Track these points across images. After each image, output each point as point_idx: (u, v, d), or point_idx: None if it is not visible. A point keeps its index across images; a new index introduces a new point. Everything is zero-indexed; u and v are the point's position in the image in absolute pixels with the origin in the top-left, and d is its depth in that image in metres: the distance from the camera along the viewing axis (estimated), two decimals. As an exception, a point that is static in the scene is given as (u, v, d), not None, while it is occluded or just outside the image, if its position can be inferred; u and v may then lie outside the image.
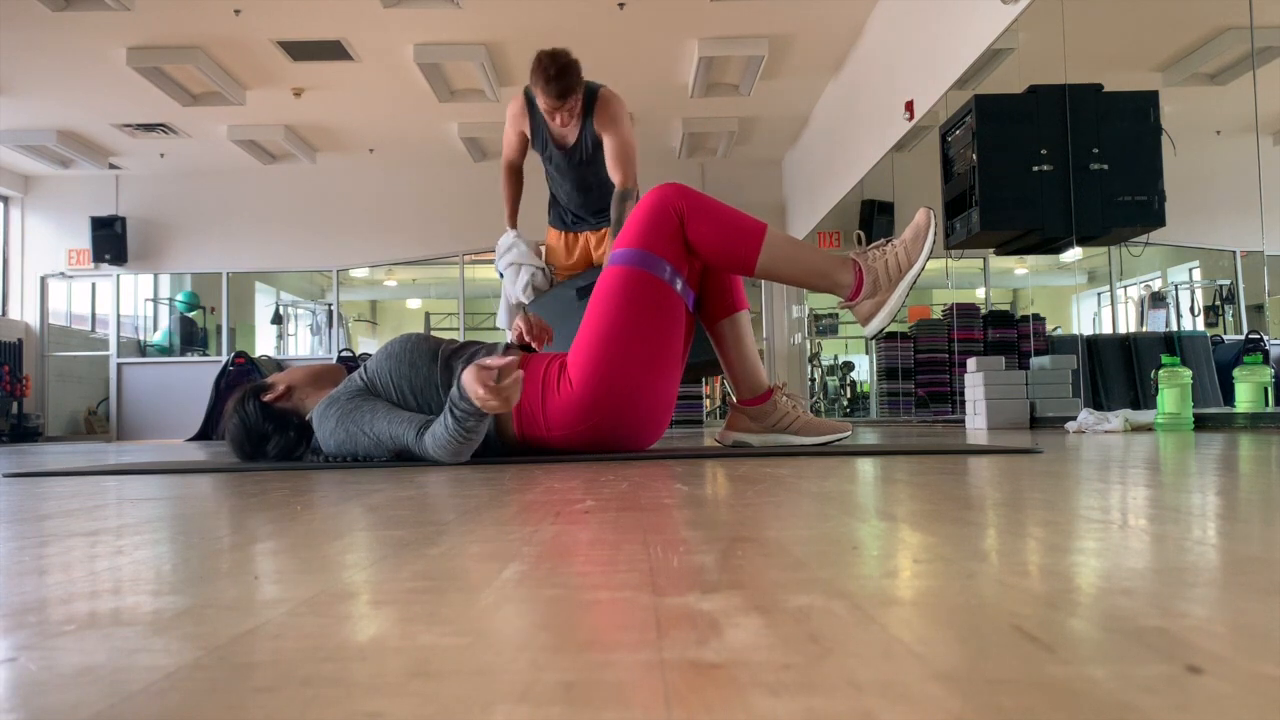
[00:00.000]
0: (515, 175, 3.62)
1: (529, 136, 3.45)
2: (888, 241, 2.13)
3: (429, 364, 2.13)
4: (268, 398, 2.17)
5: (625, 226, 2.23)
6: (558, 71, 3.10)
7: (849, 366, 10.65)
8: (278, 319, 12.25)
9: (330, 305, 11.04)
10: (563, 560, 0.63)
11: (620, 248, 2.19)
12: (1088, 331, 9.22)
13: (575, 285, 3.29)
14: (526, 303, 3.36)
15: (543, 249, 3.61)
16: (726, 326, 2.37)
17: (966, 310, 7.99)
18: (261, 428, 2.14)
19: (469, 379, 1.85)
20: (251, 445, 2.15)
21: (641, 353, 2.13)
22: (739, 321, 2.38)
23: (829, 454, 2.04)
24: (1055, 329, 8.79)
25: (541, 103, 3.22)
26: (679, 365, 2.25)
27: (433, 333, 14.19)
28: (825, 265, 2.15)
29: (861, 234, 2.17)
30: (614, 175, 3.32)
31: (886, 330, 2.18)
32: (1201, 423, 3.83)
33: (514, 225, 3.54)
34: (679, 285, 2.17)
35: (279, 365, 9.77)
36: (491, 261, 3.84)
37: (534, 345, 2.40)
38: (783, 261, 2.14)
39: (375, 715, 0.31)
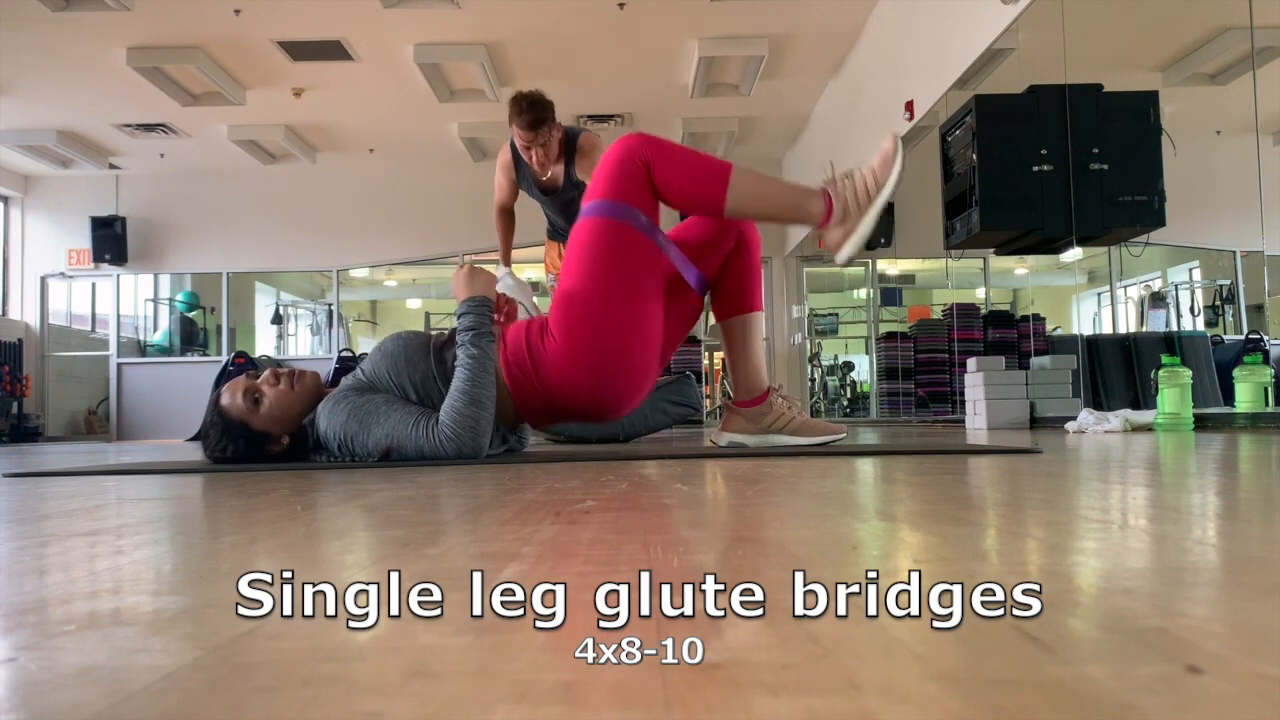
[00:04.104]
0: (508, 217, 3.84)
1: (517, 181, 3.66)
2: (856, 168, 2.13)
3: (424, 358, 2.16)
4: (275, 451, 2.13)
5: (594, 179, 2.23)
6: (529, 104, 3.33)
7: (849, 366, 10.66)
8: (278, 319, 12.24)
9: (330, 305, 11.04)
10: (563, 560, 0.63)
11: (591, 199, 2.19)
12: (1088, 331, 9.23)
13: None
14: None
15: (531, 287, 3.82)
16: (738, 324, 2.38)
17: (966, 310, 7.99)
18: (269, 461, 2.12)
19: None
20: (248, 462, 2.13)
21: (622, 295, 2.13)
22: (750, 322, 2.38)
23: (828, 454, 2.04)
24: (1055, 329, 8.79)
25: (517, 137, 3.40)
26: (660, 306, 2.22)
27: (432, 333, 14.17)
28: (794, 196, 2.15)
29: (832, 162, 2.19)
30: None
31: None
32: (1201, 423, 3.83)
33: (507, 264, 3.70)
34: (658, 237, 2.16)
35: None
36: (491, 261, 3.95)
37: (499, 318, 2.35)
38: (751, 199, 2.15)
39: (375, 715, 0.31)
